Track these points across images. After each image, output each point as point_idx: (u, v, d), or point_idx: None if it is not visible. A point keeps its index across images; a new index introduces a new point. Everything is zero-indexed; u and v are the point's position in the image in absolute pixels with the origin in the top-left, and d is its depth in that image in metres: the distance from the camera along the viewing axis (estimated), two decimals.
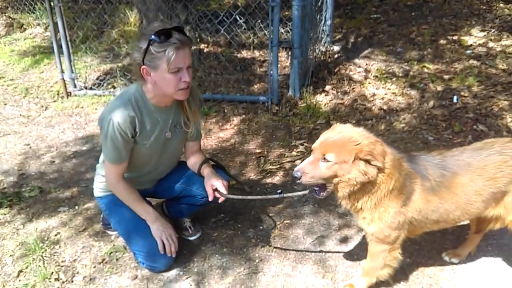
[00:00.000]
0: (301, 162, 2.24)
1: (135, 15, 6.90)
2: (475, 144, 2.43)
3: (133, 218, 2.84)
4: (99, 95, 5.52)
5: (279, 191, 2.69)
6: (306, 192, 2.56)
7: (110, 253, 3.01)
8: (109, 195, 2.92)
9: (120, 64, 6.05)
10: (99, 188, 2.97)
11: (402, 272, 2.71)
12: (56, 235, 3.22)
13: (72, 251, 3.06)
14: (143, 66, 2.48)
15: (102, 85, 5.68)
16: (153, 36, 2.38)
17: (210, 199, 2.78)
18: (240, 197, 2.88)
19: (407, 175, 2.23)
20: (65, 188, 3.79)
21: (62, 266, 2.92)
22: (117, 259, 2.97)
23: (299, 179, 2.15)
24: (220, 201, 2.78)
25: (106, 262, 2.95)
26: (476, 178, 2.27)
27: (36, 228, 3.27)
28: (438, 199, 2.27)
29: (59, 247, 3.10)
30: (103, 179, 2.88)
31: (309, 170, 2.14)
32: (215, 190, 2.76)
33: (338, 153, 2.08)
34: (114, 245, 3.09)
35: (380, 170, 2.12)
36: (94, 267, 2.91)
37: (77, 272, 2.87)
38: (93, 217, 3.39)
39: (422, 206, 2.27)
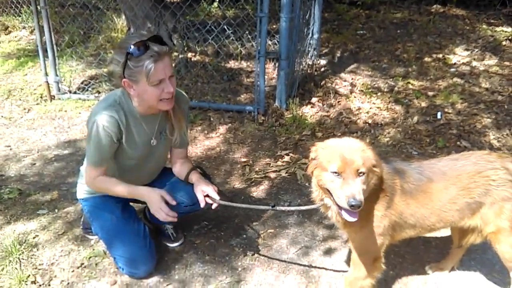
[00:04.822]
0: (336, 185, 2.06)
1: (123, 22, 6.86)
2: (452, 155, 2.47)
3: (116, 222, 2.79)
4: (83, 99, 5.46)
5: (271, 204, 2.64)
6: (301, 208, 2.56)
7: (90, 258, 2.95)
8: (92, 198, 2.86)
9: (105, 70, 5.95)
10: (83, 190, 2.90)
11: (385, 285, 2.71)
12: (34, 237, 3.14)
13: (50, 254, 2.99)
14: (124, 79, 2.46)
15: (87, 90, 5.62)
16: (130, 49, 2.35)
17: (202, 205, 2.70)
18: (233, 204, 2.80)
19: (387, 176, 2.25)
20: (45, 191, 3.71)
21: (39, 269, 2.86)
22: (96, 264, 2.90)
23: (359, 206, 1.99)
24: (213, 207, 2.71)
25: (85, 267, 2.88)
26: (449, 186, 2.30)
27: (14, 230, 3.19)
28: (415, 202, 2.30)
29: (37, 250, 3.03)
30: None
31: (358, 191, 2.01)
32: (206, 195, 2.70)
33: (363, 165, 2.05)
34: (93, 249, 3.02)
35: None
36: (73, 271, 2.84)
37: (55, 276, 2.80)
38: (73, 221, 3.32)
39: (403, 208, 2.29)
